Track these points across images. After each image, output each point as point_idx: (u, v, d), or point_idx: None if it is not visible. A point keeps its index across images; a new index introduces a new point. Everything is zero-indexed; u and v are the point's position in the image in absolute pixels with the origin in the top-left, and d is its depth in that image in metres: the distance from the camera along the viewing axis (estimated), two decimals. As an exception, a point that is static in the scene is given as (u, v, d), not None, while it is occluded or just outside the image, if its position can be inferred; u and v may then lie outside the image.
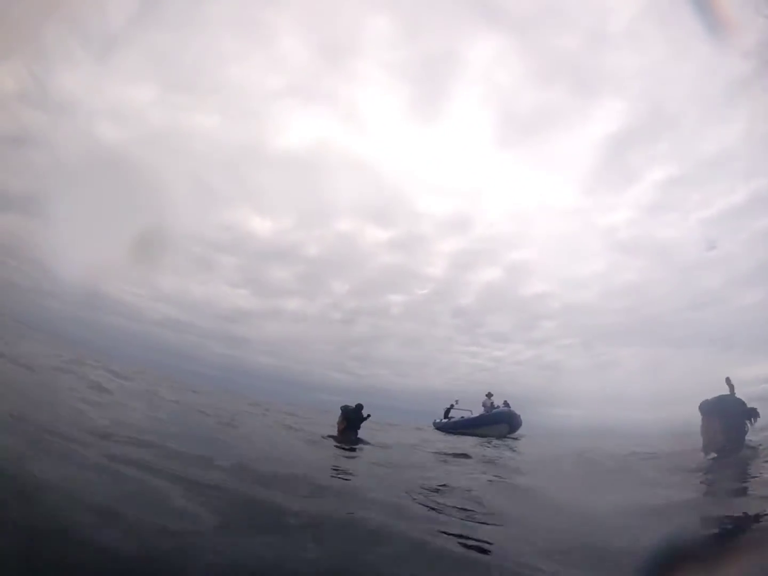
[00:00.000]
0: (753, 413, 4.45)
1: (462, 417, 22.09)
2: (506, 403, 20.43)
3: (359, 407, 9.12)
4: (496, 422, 19.43)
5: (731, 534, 3.02)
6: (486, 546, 2.84)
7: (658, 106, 44.50)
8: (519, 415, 19.76)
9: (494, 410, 20.22)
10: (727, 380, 4.53)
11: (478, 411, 21.47)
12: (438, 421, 23.61)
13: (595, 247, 53.06)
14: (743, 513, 3.37)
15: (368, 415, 9.20)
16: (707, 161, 42.45)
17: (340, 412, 9.24)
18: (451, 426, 21.74)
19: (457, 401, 23.70)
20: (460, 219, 62.01)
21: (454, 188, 63.46)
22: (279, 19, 51.25)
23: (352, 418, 9.06)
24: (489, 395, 21.55)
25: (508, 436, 18.99)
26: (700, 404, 4.52)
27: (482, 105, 56.11)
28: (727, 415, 4.42)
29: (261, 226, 55.51)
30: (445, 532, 3.03)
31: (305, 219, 59.09)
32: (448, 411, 23.65)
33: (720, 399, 4.49)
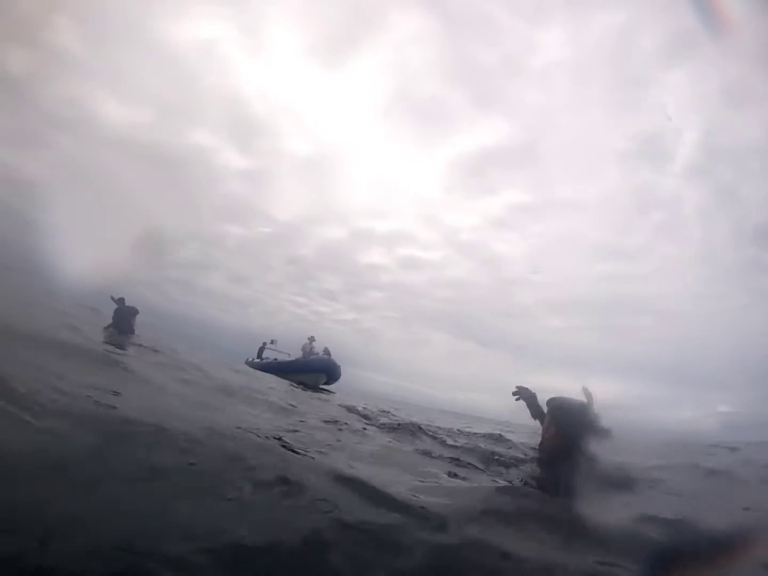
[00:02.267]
0: (602, 432, 3.41)
1: (276, 359, 19.69)
2: (327, 351, 18.67)
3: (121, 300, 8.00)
4: (314, 370, 17.55)
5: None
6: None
7: (536, 140, 49.38)
8: (339, 366, 18.21)
9: (313, 356, 18.31)
10: (585, 390, 3.46)
11: (297, 355, 19.37)
12: (250, 360, 20.77)
13: (436, 238, 57.11)
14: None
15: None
16: (558, 203, 49.27)
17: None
18: (263, 367, 19.14)
19: (273, 341, 21.23)
20: (321, 168, 59.09)
21: (324, 136, 59.98)
22: None
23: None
24: (311, 339, 19.58)
25: (323, 386, 17.35)
26: (548, 400, 3.68)
27: (384, 73, 53.70)
28: (567, 424, 3.50)
29: (114, 111, 42.25)
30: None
31: (165, 119, 48.19)
32: (261, 350, 21.00)
33: (568, 404, 3.54)
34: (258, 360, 20.45)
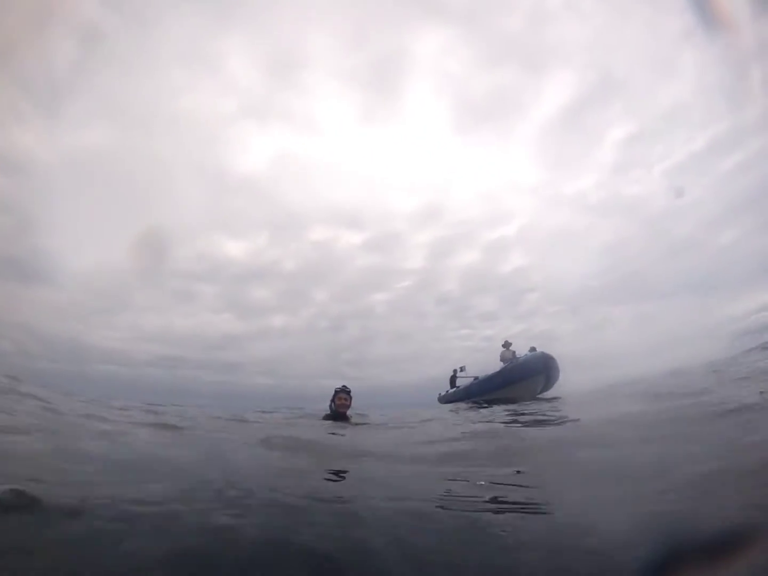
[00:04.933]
0: None
1: (474, 379, 16.12)
2: (533, 348, 14.47)
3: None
4: (530, 374, 13.37)
5: None
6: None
7: (606, 71, 44.85)
8: (556, 360, 13.74)
9: (521, 359, 14.24)
10: None
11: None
12: (443, 393, 17.71)
13: (566, 214, 50.94)
14: None
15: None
16: (663, 115, 42.85)
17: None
18: (462, 394, 15.84)
19: (462, 368, 17.83)
20: (430, 209, 58.55)
21: (420, 180, 60.19)
22: (225, 44, 46.32)
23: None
24: (507, 345, 15.74)
25: (543, 395, 13.19)
26: None
27: (436, 96, 53.04)
28: None
29: (235, 249, 50.94)
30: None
31: (278, 235, 54.81)
32: (453, 379, 17.76)
33: None
34: (453, 390, 17.25)
